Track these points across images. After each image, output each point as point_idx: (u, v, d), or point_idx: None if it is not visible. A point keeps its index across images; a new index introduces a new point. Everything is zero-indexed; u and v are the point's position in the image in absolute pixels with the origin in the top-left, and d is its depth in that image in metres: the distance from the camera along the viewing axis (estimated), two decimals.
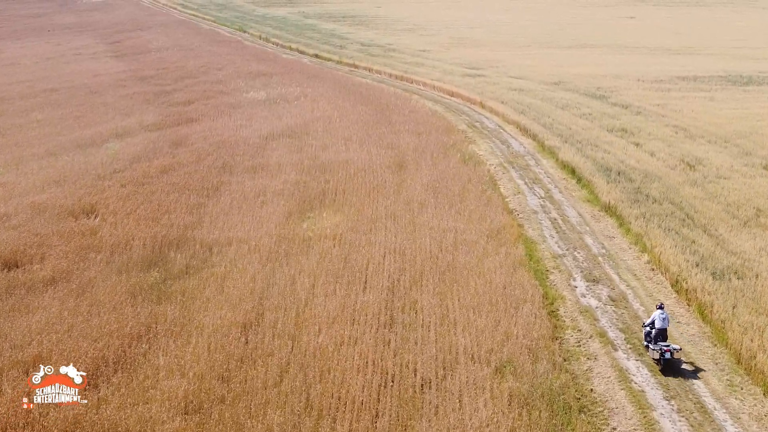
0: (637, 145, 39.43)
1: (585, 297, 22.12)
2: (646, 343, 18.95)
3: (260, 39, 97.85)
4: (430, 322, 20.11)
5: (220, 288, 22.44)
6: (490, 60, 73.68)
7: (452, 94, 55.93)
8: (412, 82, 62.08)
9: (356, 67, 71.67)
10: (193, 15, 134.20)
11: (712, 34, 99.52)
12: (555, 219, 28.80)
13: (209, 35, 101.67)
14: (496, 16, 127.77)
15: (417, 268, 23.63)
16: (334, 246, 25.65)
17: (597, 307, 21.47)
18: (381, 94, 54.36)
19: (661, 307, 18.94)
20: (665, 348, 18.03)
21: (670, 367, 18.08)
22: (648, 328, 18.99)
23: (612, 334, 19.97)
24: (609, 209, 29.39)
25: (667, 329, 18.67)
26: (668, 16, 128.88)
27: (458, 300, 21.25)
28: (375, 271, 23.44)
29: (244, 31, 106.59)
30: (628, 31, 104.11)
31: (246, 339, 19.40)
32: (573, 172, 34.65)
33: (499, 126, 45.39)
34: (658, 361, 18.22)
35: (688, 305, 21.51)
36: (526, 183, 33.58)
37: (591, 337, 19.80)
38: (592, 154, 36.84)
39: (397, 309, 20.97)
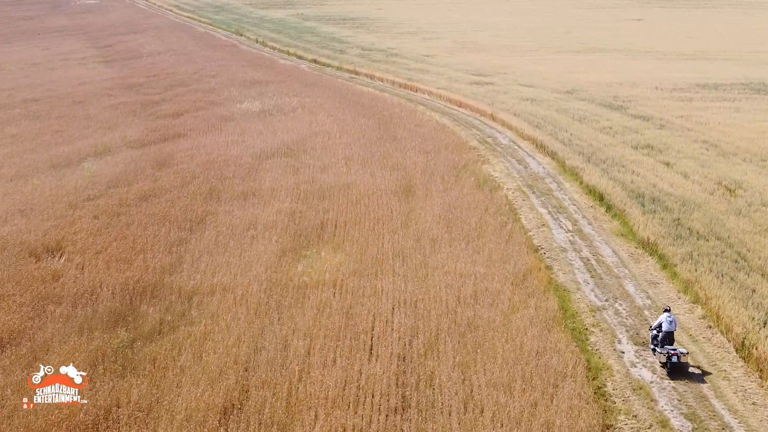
0: (667, 165, 35.79)
1: (636, 367, 18.46)
2: (653, 346, 18.83)
3: (257, 43, 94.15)
4: (451, 405, 16.45)
5: (198, 354, 18.79)
6: (498, 66, 70.02)
7: (460, 105, 52.25)
8: (416, 91, 58.38)
9: (357, 73, 67.99)
10: (189, 17, 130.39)
11: (726, 38, 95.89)
12: (587, 259, 25.10)
13: (204, 39, 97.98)
14: (500, 18, 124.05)
15: (432, 326, 19.98)
16: (334, 295, 22.01)
17: (652, 382, 17.80)
18: (384, 105, 50.67)
19: (668, 310, 19.00)
20: (672, 351, 18.08)
21: (677, 370, 18.01)
22: (655, 332, 18.80)
23: (676, 421, 16.30)
24: (648, 246, 25.73)
25: (674, 332, 18.63)
26: (676, 18, 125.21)
27: (484, 373, 17.60)
28: (382, 330, 19.79)
29: (241, 35, 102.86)
30: (637, 34, 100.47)
31: (226, 430, 15.76)
32: (601, 198, 31.00)
33: (514, 142, 41.71)
34: (664, 365, 18.22)
35: (761, 378, 17.87)
36: (549, 212, 29.90)
37: (650, 426, 16.13)
38: (620, 177, 33.21)
39: (410, 386, 17.32)
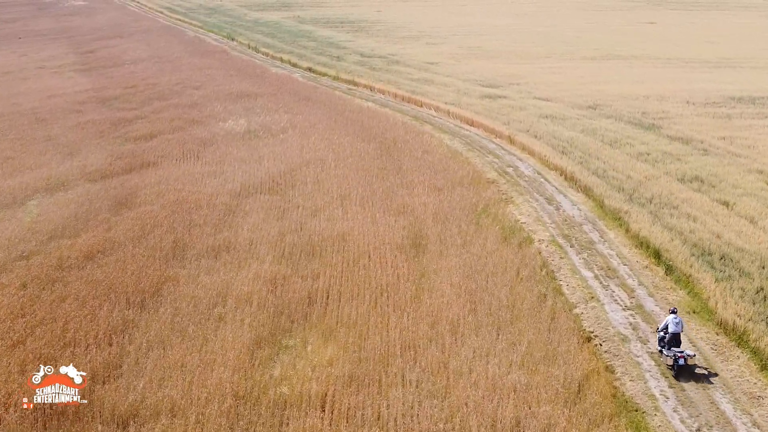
0: (726, 205, 29.85)
1: None
2: (659, 348, 18.50)
3: (249, 48, 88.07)
4: None
5: None
6: (510, 75, 64.00)
7: (472, 123, 46.24)
8: (422, 106, 52.33)
9: (356, 84, 61.91)
10: (180, 20, 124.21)
11: (746, 43, 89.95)
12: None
13: (193, 44, 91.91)
14: (506, 20, 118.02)
15: None
16: (323, 421, 16.04)
17: None
18: (386, 125, 44.63)
19: (674, 312, 18.81)
20: (679, 354, 17.83)
21: (683, 372, 17.69)
22: (662, 333, 18.50)
23: None
24: (734, 334, 19.74)
25: (680, 334, 18.30)
26: (690, 22, 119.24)
27: None
28: None
29: (233, 39, 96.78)
30: (652, 38, 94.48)
31: None
32: (657, 255, 24.98)
33: (538, 173, 35.65)
34: (671, 367, 17.97)
35: None
36: (596, 276, 23.83)
37: None
38: (676, 224, 27.23)
39: None
